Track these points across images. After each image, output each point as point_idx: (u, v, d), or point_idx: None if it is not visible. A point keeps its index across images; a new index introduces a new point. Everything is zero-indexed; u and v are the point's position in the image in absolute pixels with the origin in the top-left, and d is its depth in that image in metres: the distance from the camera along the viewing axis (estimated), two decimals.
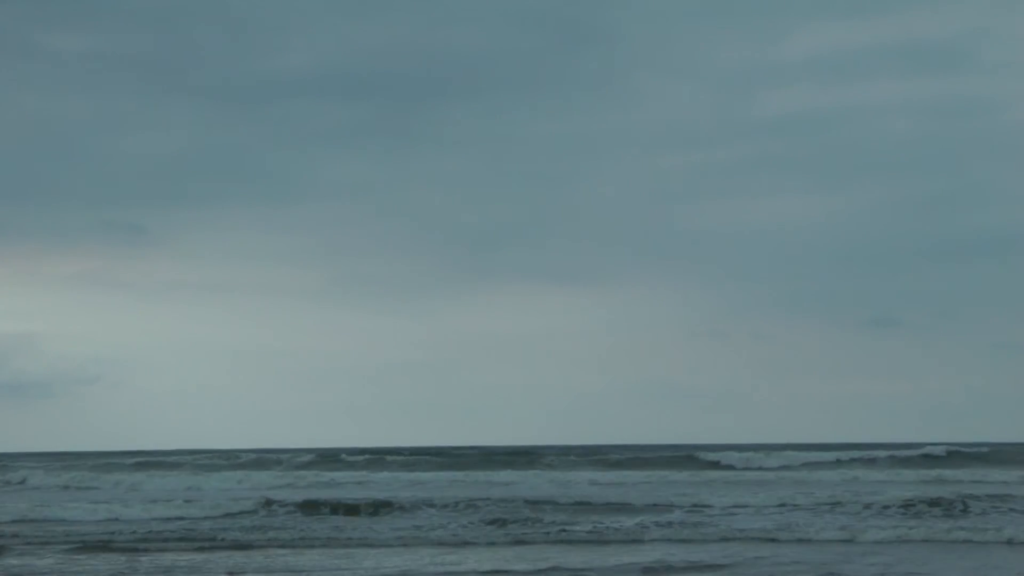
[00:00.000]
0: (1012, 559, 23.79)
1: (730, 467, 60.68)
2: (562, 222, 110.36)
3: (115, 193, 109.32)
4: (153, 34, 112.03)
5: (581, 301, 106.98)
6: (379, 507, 35.17)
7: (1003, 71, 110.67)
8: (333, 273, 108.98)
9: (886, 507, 32.86)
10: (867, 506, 33.06)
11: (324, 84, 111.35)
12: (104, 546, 26.90)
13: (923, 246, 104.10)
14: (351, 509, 35.24)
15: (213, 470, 59.80)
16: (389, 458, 67.29)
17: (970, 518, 30.96)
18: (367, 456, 67.54)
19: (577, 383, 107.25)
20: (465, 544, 27.08)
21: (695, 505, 35.21)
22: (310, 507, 35.53)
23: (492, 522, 30.95)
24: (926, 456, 62.66)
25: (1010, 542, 26.25)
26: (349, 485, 50.54)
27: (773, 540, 26.77)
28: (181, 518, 33.62)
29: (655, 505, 35.72)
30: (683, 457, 64.34)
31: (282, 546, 26.89)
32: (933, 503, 32.92)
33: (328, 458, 67.06)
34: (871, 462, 60.68)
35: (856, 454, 63.18)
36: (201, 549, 26.31)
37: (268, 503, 35.94)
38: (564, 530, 28.99)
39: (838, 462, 61.21)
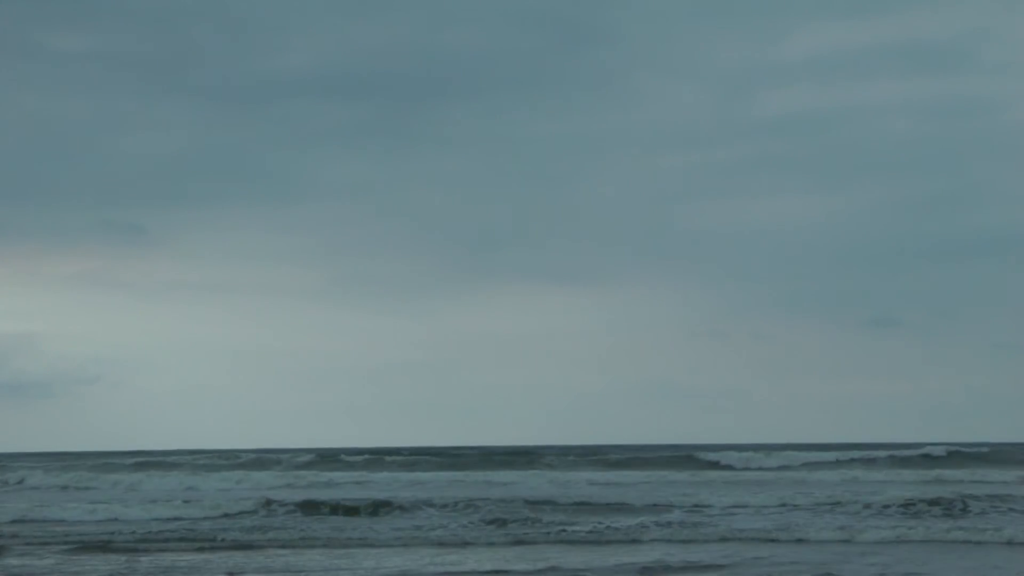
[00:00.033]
0: (1012, 559, 23.78)
1: (730, 467, 60.65)
2: (562, 222, 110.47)
3: (115, 193, 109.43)
4: (153, 34, 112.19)
5: (581, 301, 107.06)
6: (379, 507, 35.16)
7: (1003, 71, 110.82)
8: (333, 273, 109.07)
9: (886, 507, 32.86)
10: (867, 506, 33.05)
11: (324, 84, 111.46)
12: (104, 546, 26.89)
13: (923, 246, 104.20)
14: (351, 509, 35.23)
15: (213, 470, 59.77)
16: (389, 458, 67.28)
17: (970, 518, 30.94)
18: (367, 456, 67.52)
19: (577, 383, 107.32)
20: (465, 544, 27.07)
21: (694, 505, 35.20)
22: (310, 507, 35.51)
23: (492, 522, 30.94)
24: (926, 456, 62.62)
25: (1010, 542, 26.22)
26: (349, 485, 50.53)
27: (772, 540, 26.76)
28: (181, 518, 33.62)
29: (655, 505, 35.70)
30: (683, 457, 64.32)
31: (282, 546, 26.88)
32: (933, 503, 32.91)
33: (328, 458, 67.04)
34: (871, 462, 60.65)
35: (856, 454, 63.16)
36: (201, 549, 26.31)
37: (268, 503, 35.91)
38: (564, 530, 28.98)
39: (838, 462, 61.19)
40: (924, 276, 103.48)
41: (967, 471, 53.50)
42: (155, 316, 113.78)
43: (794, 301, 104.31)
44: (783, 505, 34.50)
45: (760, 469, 59.20)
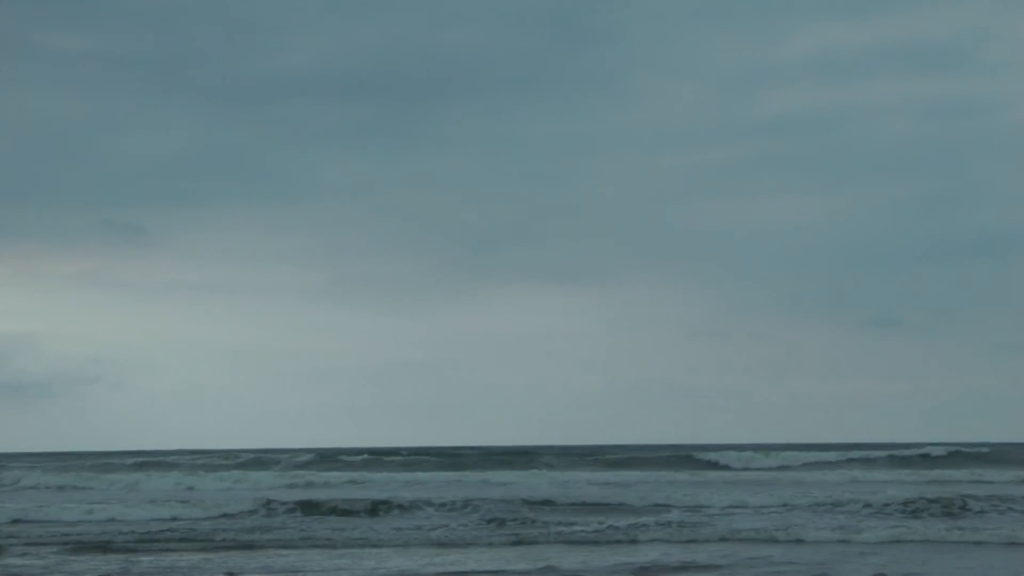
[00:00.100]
0: (1012, 559, 23.76)
1: (729, 467, 60.63)
2: (562, 222, 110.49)
3: (115, 193, 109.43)
4: (153, 34, 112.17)
5: (581, 301, 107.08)
6: (378, 507, 35.16)
7: (1003, 71, 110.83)
8: (333, 273, 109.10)
9: (886, 505, 32.86)
10: (866, 506, 33.04)
11: (324, 84, 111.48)
12: (103, 547, 26.88)
13: (923, 246, 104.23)
14: (350, 509, 35.22)
15: (212, 470, 59.76)
16: (388, 458, 67.28)
17: (970, 518, 30.94)
18: (366, 456, 67.53)
19: (577, 383, 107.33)
20: (464, 544, 27.07)
21: (693, 505, 35.20)
22: (309, 507, 35.50)
23: (491, 522, 30.94)
24: (926, 456, 62.61)
25: (1010, 542, 26.20)
26: (348, 485, 50.52)
27: (771, 540, 26.75)
28: (180, 518, 33.60)
29: (654, 505, 35.70)
30: (682, 457, 64.31)
31: (281, 546, 26.87)
32: (933, 503, 32.90)
33: (327, 458, 67.04)
34: (871, 462, 60.64)
35: (856, 454, 63.15)
36: (200, 549, 26.29)
37: (267, 503, 35.90)
38: (562, 530, 28.98)
39: (838, 462, 61.18)
40: (924, 276, 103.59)
41: (967, 471, 53.50)
42: (155, 316, 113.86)
43: (794, 301, 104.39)
44: (782, 505, 34.50)
45: (759, 469, 59.18)
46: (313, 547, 26.71)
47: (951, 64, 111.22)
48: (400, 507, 35.21)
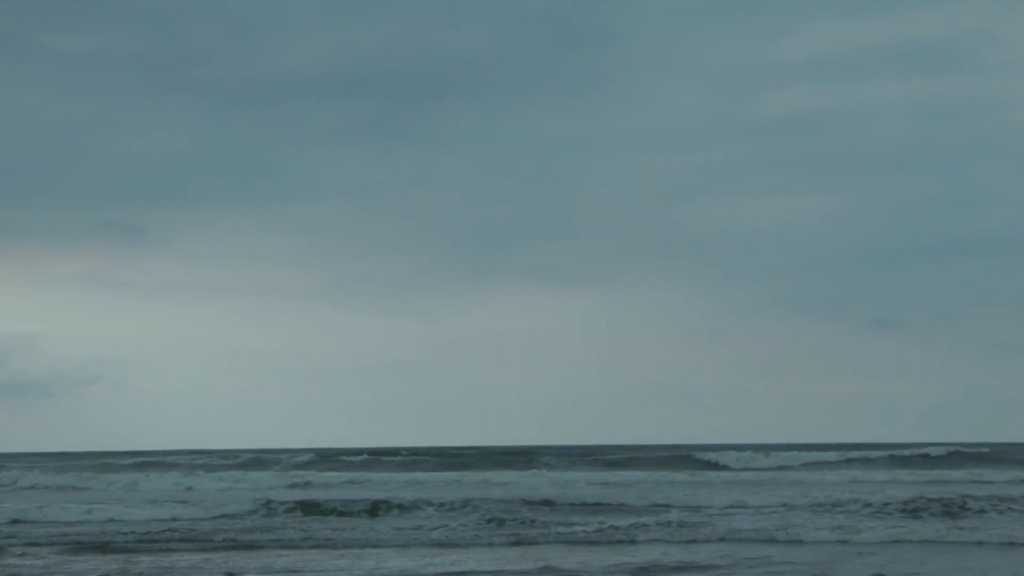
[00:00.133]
0: (1011, 559, 23.76)
1: (729, 467, 60.64)
2: (562, 222, 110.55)
3: (115, 193, 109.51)
4: (153, 34, 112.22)
5: (581, 301, 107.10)
6: (378, 507, 35.15)
7: (1003, 71, 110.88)
8: (333, 273, 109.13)
9: (885, 505, 32.86)
10: (866, 506, 33.03)
11: (324, 84, 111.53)
12: (102, 547, 26.87)
13: (923, 246, 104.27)
14: (350, 509, 35.21)
15: (212, 470, 59.80)
16: (388, 458, 67.30)
17: (969, 518, 30.93)
18: (366, 456, 67.56)
19: (577, 383, 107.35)
20: (464, 544, 27.05)
21: (693, 506, 35.20)
22: (309, 507, 35.50)
23: (491, 522, 30.94)
24: (926, 456, 62.64)
25: (1010, 543, 26.19)
26: (348, 485, 50.53)
27: (770, 541, 26.74)
28: (180, 518, 33.59)
29: (653, 505, 35.70)
30: (681, 457, 64.35)
31: (281, 546, 26.86)
32: (933, 503, 32.88)
33: (327, 458, 67.07)
34: (871, 462, 60.66)
35: (856, 454, 63.18)
36: (200, 549, 26.28)
37: (267, 503, 35.89)
38: (562, 530, 28.97)
39: (838, 462, 61.21)
40: (924, 276, 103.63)
41: (967, 471, 53.52)
42: (155, 316, 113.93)
43: (794, 301, 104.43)
44: (782, 505, 34.49)
45: (759, 469, 59.20)
46: (313, 547, 26.71)
47: (951, 64, 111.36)
48: (400, 507, 35.21)
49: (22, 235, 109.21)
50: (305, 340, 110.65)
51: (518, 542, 27.22)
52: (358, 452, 69.90)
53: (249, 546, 26.87)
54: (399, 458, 67.54)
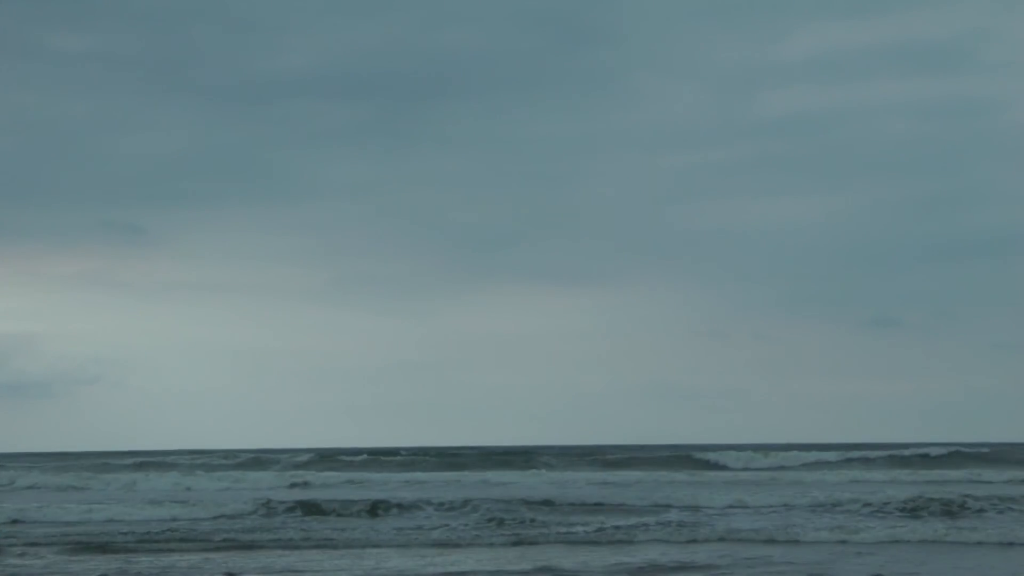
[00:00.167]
0: (1011, 560, 23.75)
1: (729, 467, 60.65)
2: (562, 222, 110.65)
3: (115, 193, 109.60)
4: (153, 34, 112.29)
5: (581, 301, 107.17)
6: (378, 507, 35.14)
7: (1003, 71, 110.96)
8: (333, 273, 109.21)
9: (885, 504, 32.85)
10: (866, 505, 33.03)
11: (324, 84, 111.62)
12: (102, 547, 26.87)
13: (923, 246, 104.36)
14: (350, 509, 35.20)
15: (211, 470, 59.80)
16: (387, 458, 67.31)
17: (969, 518, 30.92)
18: (365, 456, 67.57)
19: (576, 383, 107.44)
20: (463, 544, 27.05)
21: (692, 505, 35.19)
22: (309, 507, 35.48)
23: (490, 522, 30.93)
24: (926, 456, 62.65)
25: (1009, 543, 26.18)
26: (347, 485, 50.53)
27: (770, 540, 26.74)
28: (179, 518, 33.57)
29: (653, 505, 35.70)
30: (681, 457, 64.38)
31: (281, 546, 26.86)
32: (933, 503, 32.88)
33: (327, 458, 67.08)
34: (871, 462, 60.66)
35: (856, 454, 63.17)
36: (199, 549, 26.28)
37: (267, 503, 35.89)
38: (562, 530, 28.97)
39: (838, 462, 61.21)
40: (924, 276, 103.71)
41: (967, 471, 53.52)
42: (155, 316, 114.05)
43: (794, 301, 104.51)
44: (782, 505, 34.48)
45: (759, 469, 59.20)
46: (313, 547, 26.71)
47: (951, 64, 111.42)
48: (400, 507, 35.21)
49: (22, 235, 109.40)
50: (305, 340, 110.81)
51: (518, 542, 27.22)
52: (358, 452, 69.91)
53: (249, 546, 26.87)
54: (399, 458, 67.55)
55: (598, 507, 35.86)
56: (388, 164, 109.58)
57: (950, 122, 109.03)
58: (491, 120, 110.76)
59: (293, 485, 50.46)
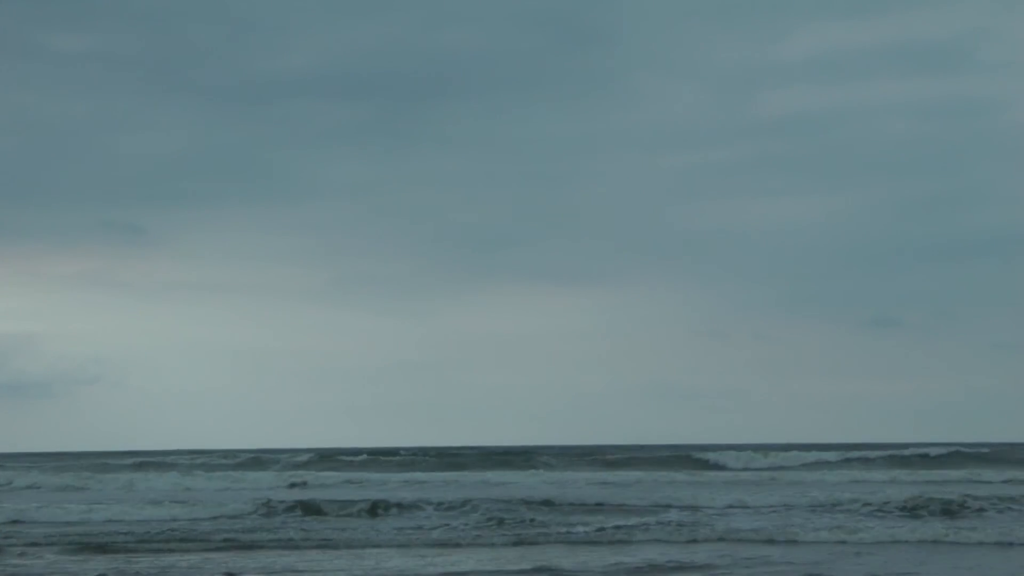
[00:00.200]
0: (1010, 560, 23.75)
1: (728, 467, 60.62)
2: (562, 222, 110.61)
3: (115, 193, 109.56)
4: (153, 34, 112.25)
5: (581, 301, 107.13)
6: (377, 507, 35.13)
7: (1003, 71, 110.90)
8: (333, 273, 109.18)
9: (885, 504, 32.85)
10: (866, 505, 33.02)
11: (324, 84, 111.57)
12: (102, 547, 26.86)
13: (923, 246, 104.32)
14: (349, 509, 35.19)
15: (211, 470, 59.80)
16: (387, 458, 67.30)
17: (969, 518, 30.91)
18: (365, 456, 67.55)
19: (576, 383, 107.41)
20: (463, 544, 27.04)
21: (692, 505, 35.19)
22: (308, 507, 35.47)
23: (490, 522, 30.92)
24: (926, 456, 62.62)
25: (1009, 543, 26.17)
26: (347, 485, 50.52)
27: (770, 540, 26.73)
28: (179, 518, 33.57)
29: (652, 505, 35.70)
30: (681, 457, 64.36)
31: (281, 546, 26.86)
32: (932, 503, 32.87)
33: (326, 458, 67.07)
34: (870, 462, 60.64)
35: (856, 454, 63.15)
36: (199, 549, 26.27)
37: (266, 503, 35.88)
38: (561, 530, 28.97)
39: (837, 462, 61.19)
40: (924, 276, 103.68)
41: (967, 471, 53.49)
42: (155, 316, 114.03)
43: (794, 301, 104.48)
44: (781, 505, 34.48)
45: (758, 469, 59.17)
46: (312, 547, 26.70)
47: (951, 64, 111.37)
48: (399, 507, 35.20)
49: (22, 235, 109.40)
50: (305, 340, 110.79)
51: (518, 542, 27.22)
52: (357, 452, 69.88)
53: (248, 546, 26.86)
54: (398, 458, 67.54)
55: (598, 507, 35.86)
56: (388, 164, 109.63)
57: (950, 122, 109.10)
58: (491, 120, 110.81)
59: (293, 485, 50.46)
